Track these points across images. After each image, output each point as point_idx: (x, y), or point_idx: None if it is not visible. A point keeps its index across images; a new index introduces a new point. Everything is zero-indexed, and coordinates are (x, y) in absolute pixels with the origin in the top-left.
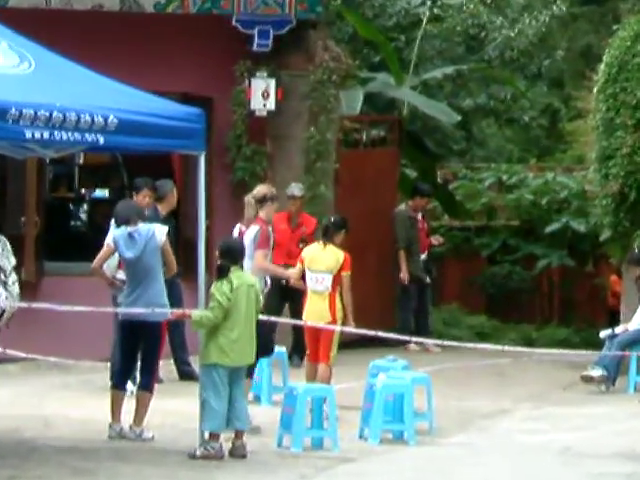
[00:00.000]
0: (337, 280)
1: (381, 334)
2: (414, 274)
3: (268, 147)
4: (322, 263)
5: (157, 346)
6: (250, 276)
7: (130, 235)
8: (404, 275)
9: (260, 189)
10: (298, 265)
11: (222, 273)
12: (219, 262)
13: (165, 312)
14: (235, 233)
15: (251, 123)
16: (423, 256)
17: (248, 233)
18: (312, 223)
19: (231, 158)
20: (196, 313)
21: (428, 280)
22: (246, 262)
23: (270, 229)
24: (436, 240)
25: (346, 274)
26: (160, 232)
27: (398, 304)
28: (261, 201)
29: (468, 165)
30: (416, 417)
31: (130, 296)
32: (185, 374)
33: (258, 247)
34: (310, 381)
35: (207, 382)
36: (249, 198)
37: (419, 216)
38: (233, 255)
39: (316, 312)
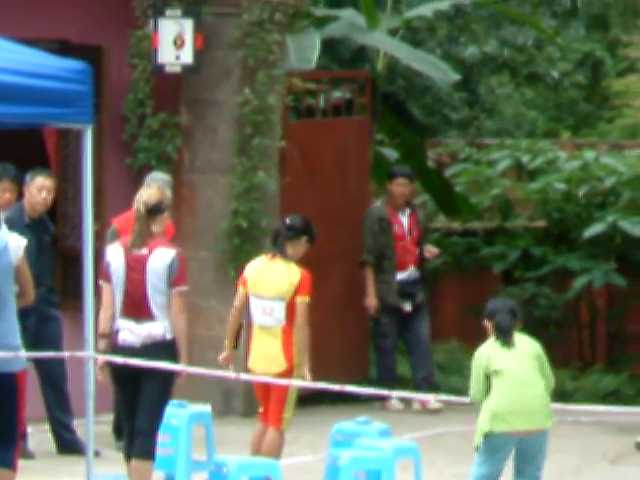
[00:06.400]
0: (293, 309)
1: (349, 388)
2: (385, 300)
3: (183, 117)
4: (270, 285)
5: (14, 405)
6: None
7: None
8: (370, 301)
9: (152, 194)
10: (240, 290)
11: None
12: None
13: (22, 356)
14: (115, 258)
15: (158, 83)
16: (406, 273)
17: (157, 259)
18: (170, 228)
19: (130, 133)
20: None
21: (408, 308)
22: (156, 300)
23: None
24: (428, 252)
25: (302, 300)
26: (16, 246)
27: (374, 343)
28: (155, 211)
29: (472, 142)
30: None
31: None
32: (66, 445)
33: (179, 281)
34: (257, 450)
35: None
36: (139, 206)
37: (405, 215)
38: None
39: (264, 356)
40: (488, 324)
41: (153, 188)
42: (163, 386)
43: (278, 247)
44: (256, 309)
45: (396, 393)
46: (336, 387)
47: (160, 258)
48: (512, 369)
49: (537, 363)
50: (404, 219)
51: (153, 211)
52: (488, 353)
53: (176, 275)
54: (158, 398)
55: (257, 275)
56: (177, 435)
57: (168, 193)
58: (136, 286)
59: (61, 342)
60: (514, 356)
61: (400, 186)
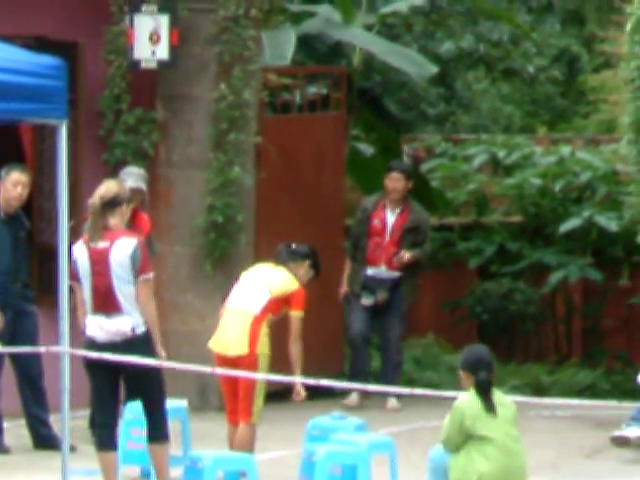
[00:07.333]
0: (272, 308)
1: (325, 382)
2: (351, 288)
3: (159, 113)
4: (266, 277)
5: None
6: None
7: None
8: (340, 287)
9: (110, 187)
10: None
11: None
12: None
13: None
14: (80, 255)
15: (135, 79)
16: (375, 270)
17: (119, 250)
18: (146, 222)
19: (106, 129)
20: None
21: (366, 302)
22: (123, 291)
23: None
24: (397, 260)
25: (298, 314)
26: None
27: None
28: (112, 204)
29: (448, 137)
30: None
31: None
32: (42, 440)
33: (144, 269)
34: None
35: None
36: (94, 199)
37: (394, 213)
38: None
39: (226, 336)
40: (464, 376)
41: (112, 182)
42: (150, 376)
43: (279, 260)
44: (238, 292)
45: (372, 387)
46: (311, 381)
47: (122, 249)
48: (500, 438)
49: (516, 422)
50: (391, 217)
51: (108, 204)
52: (471, 414)
53: (140, 264)
54: (150, 387)
55: (256, 269)
56: None
57: (143, 186)
58: (102, 279)
59: (37, 337)
60: (501, 423)
61: (392, 181)
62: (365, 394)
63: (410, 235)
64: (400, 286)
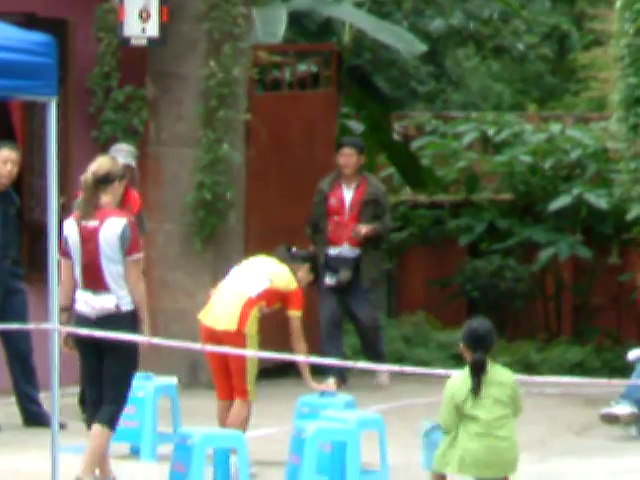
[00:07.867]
0: (267, 297)
1: (317, 359)
2: None
3: (149, 90)
4: (267, 267)
5: None
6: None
7: None
8: None
9: (102, 163)
10: None
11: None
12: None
13: None
14: (71, 231)
15: (124, 56)
16: (338, 249)
17: (108, 229)
18: (136, 199)
19: (96, 106)
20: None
21: (329, 281)
22: (110, 270)
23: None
24: (355, 235)
25: (297, 314)
26: None
27: None
28: (105, 181)
29: (438, 114)
30: (364, 476)
31: None
32: (32, 417)
33: (133, 249)
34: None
35: None
36: (87, 176)
37: (350, 189)
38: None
39: (218, 312)
40: (464, 349)
41: (105, 158)
42: (125, 357)
43: (279, 258)
44: (236, 275)
45: (362, 364)
46: (302, 358)
47: (111, 228)
48: (486, 418)
49: (509, 402)
50: (347, 193)
51: (101, 181)
52: (461, 393)
53: (129, 243)
54: (121, 369)
55: (258, 259)
56: (142, 407)
57: (132, 163)
58: (91, 257)
59: (26, 314)
60: (489, 404)
61: (343, 156)
62: (343, 381)
63: (369, 208)
64: (358, 263)
